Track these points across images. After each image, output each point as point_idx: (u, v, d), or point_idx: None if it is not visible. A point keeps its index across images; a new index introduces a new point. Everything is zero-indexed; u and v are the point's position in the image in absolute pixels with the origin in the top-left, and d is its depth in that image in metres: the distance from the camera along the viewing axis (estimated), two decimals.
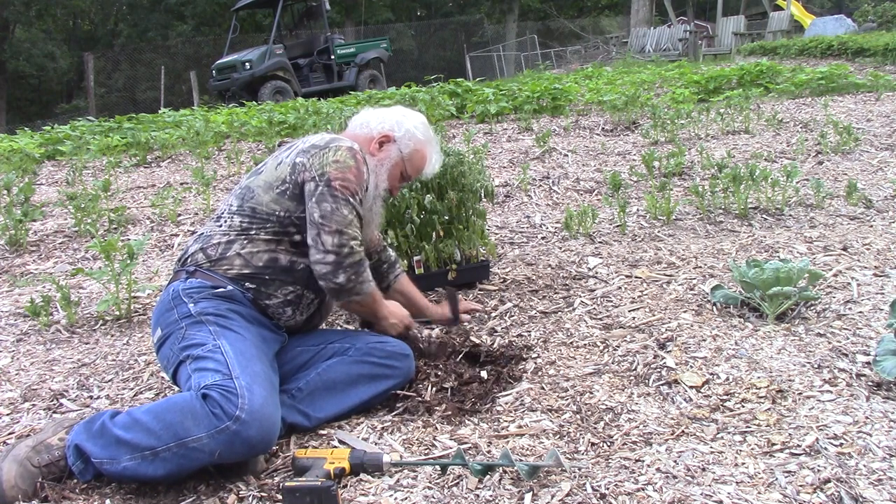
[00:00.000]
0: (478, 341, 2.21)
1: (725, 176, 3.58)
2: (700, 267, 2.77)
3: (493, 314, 2.55)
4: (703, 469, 1.54)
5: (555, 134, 6.06)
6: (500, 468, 1.58)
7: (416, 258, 2.72)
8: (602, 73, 11.08)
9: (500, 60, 23.15)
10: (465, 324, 2.40)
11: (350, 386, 1.91)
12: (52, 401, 2.15)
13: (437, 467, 1.61)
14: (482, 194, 2.92)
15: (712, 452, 1.60)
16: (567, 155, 5.16)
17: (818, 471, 1.49)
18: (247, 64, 14.00)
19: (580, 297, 2.61)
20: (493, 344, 2.28)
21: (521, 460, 1.59)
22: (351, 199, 1.88)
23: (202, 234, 1.98)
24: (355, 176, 1.90)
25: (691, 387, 1.90)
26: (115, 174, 5.64)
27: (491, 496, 1.51)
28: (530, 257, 3.12)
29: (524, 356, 2.20)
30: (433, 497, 1.52)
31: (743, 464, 1.55)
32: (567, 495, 1.49)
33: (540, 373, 2.08)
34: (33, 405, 2.13)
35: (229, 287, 1.86)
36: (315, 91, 13.61)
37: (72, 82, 27.39)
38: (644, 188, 4.13)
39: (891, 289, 2.39)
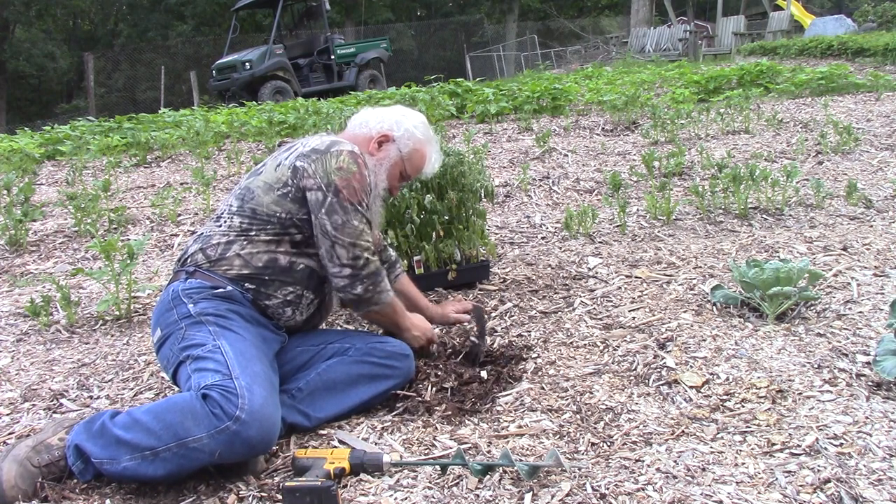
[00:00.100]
0: (478, 341, 2.21)
1: (725, 176, 3.57)
2: (700, 267, 2.77)
3: (493, 314, 2.55)
4: (703, 469, 1.54)
5: (555, 134, 6.05)
6: (500, 468, 1.58)
7: (416, 258, 2.72)
8: (602, 73, 11.09)
9: (500, 60, 23.16)
10: (465, 324, 2.40)
11: (350, 386, 1.92)
12: (52, 401, 2.15)
13: (437, 467, 1.61)
14: (482, 194, 2.92)
15: (712, 452, 1.60)
16: (567, 155, 5.16)
17: (818, 471, 1.49)
18: (247, 64, 14.01)
19: (580, 297, 2.61)
20: (493, 344, 2.28)
21: (521, 460, 1.59)
22: (360, 208, 1.90)
23: (202, 234, 1.98)
24: (360, 182, 1.91)
25: (691, 387, 1.90)
26: (115, 174, 5.65)
27: (491, 496, 1.51)
28: (530, 257, 3.12)
29: (524, 356, 2.20)
30: (433, 497, 1.52)
31: (743, 464, 1.55)
32: (567, 495, 1.49)
33: (540, 373, 2.08)
34: (33, 405, 2.13)
35: (229, 287, 1.86)
36: (315, 91, 13.62)
37: (72, 82, 27.40)
38: (644, 188, 4.13)
39: (891, 289, 2.39)
